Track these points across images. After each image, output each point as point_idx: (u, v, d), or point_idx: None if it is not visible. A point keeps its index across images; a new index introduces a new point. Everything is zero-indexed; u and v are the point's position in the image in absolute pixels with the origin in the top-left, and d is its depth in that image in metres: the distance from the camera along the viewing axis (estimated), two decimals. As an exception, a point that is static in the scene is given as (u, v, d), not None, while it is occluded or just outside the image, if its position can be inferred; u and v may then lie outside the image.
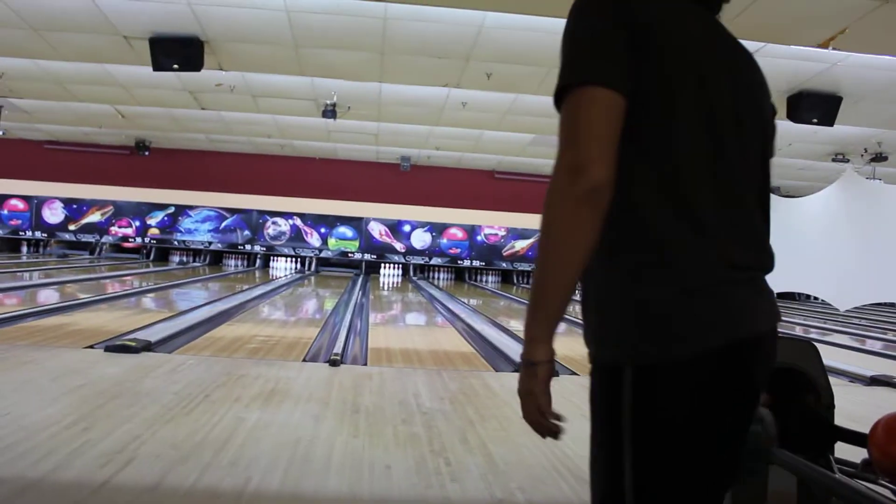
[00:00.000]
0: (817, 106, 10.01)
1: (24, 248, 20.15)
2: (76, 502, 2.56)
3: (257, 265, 20.10)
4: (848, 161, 14.27)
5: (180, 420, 3.74)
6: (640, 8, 1.22)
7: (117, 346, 5.61)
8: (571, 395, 5.01)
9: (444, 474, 3.15)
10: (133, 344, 5.69)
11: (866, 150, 13.74)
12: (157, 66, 9.87)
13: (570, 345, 8.25)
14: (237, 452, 3.27)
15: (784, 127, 11.61)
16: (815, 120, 10.13)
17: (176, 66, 9.83)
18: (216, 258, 20.34)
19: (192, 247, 20.12)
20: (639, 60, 1.18)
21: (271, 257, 20.28)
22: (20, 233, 19.83)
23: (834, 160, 14.60)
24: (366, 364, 6.00)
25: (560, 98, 1.20)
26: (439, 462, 3.32)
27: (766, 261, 1.31)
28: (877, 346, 10.27)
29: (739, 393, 1.24)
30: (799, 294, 19.33)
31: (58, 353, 5.43)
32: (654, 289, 1.19)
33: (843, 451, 2.43)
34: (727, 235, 1.22)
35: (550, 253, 1.18)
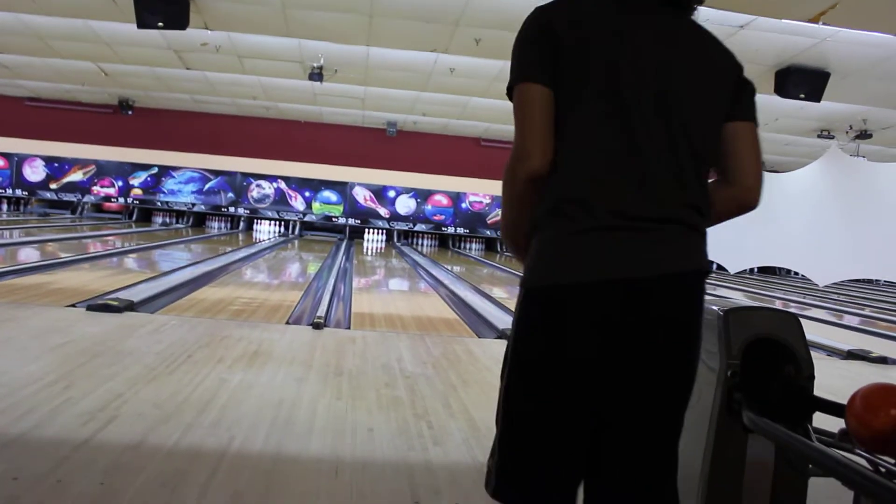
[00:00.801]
0: (805, 81, 10.01)
1: (4, 207, 19.94)
2: (58, 459, 2.55)
3: (241, 228, 20.01)
4: (833, 137, 14.32)
5: (163, 380, 3.74)
6: (561, 27, 1.48)
7: (99, 306, 5.58)
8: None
9: (427, 437, 3.17)
10: (115, 303, 5.66)
11: (851, 128, 13.81)
12: (142, 24, 9.70)
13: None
14: (220, 413, 3.27)
15: (770, 101, 11.61)
16: (802, 95, 10.14)
17: (161, 23, 9.67)
18: (199, 220, 20.22)
19: (175, 208, 20.00)
20: (559, 61, 1.46)
21: (255, 220, 20.20)
22: (0, 190, 19.61)
23: (819, 136, 14.65)
24: (349, 328, 6.01)
25: (510, 95, 1.53)
26: (422, 425, 3.34)
27: (672, 214, 1.44)
28: (854, 321, 10.39)
29: (596, 326, 1.39)
30: (779, 269, 19.46)
31: (39, 311, 5.40)
32: (546, 233, 1.44)
33: (820, 421, 2.47)
34: (624, 193, 1.41)
35: (504, 214, 1.58)
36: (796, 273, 18.77)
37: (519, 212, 1.52)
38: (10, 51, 13.93)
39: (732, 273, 18.29)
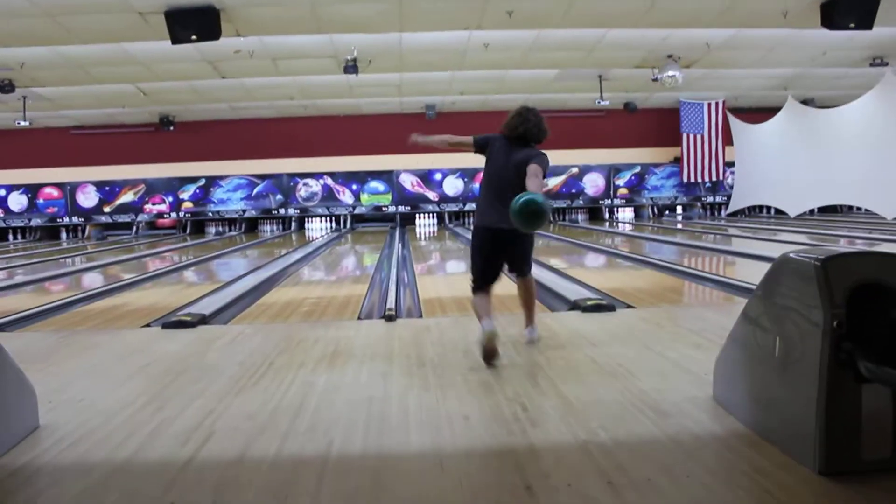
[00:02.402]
0: (853, 9, 9.65)
1: (64, 235, 20.40)
2: (167, 481, 2.56)
3: (293, 228, 20.18)
4: (887, 64, 13.80)
5: (250, 390, 3.74)
6: (489, 141, 4.58)
7: (174, 323, 5.64)
8: (632, 328, 4.98)
9: (524, 420, 3.12)
10: (189, 319, 5.71)
11: (907, 50, 13.28)
12: (175, 39, 9.79)
13: (622, 279, 8.14)
14: (313, 417, 3.26)
15: (817, 36, 11.29)
16: (851, 25, 9.76)
17: (194, 36, 9.74)
18: (251, 225, 20.47)
19: (227, 216, 20.26)
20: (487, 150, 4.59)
21: (306, 219, 20.36)
22: (58, 220, 20.07)
23: (872, 65, 14.12)
24: (421, 316, 5.98)
25: None
26: (516, 408, 3.29)
27: (494, 222, 4.34)
28: (930, 250, 10.01)
29: (482, 239, 4.50)
30: (842, 206, 18.90)
31: (117, 335, 5.48)
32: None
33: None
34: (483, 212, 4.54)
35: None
36: (859, 209, 18.26)
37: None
38: (51, 83, 14.20)
39: (793, 216, 17.88)
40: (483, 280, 4.47)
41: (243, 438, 3.00)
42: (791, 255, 2.80)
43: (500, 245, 4.37)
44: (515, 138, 4.46)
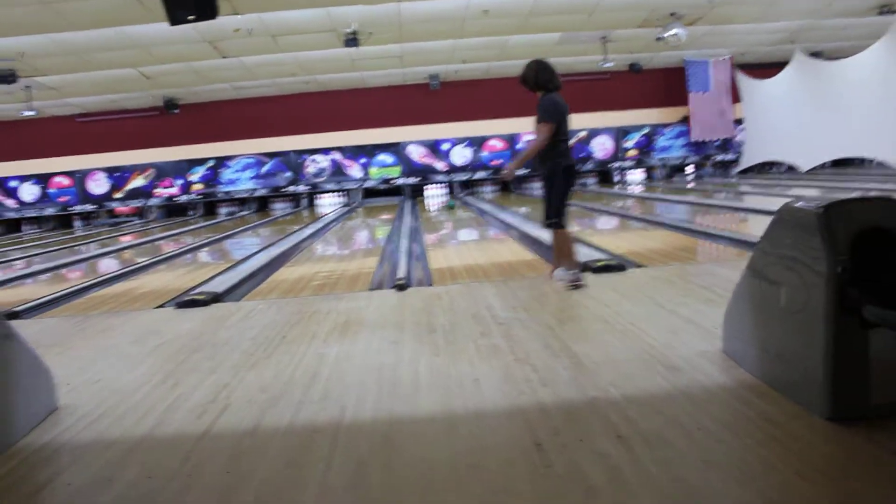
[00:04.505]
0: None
1: (77, 223, 20.51)
2: (184, 454, 2.61)
3: (303, 205, 20.20)
4: (895, 13, 13.57)
5: (263, 364, 3.78)
6: (559, 110, 5.20)
7: (187, 302, 5.68)
8: (643, 286, 4.98)
9: (534, 380, 3.14)
10: (202, 297, 5.75)
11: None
12: (174, 20, 9.72)
13: (633, 240, 8.14)
14: (325, 386, 3.30)
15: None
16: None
17: (191, 16, 9.66)
18: (262, 204, 20.53)
19: (237, 196, 20.32)
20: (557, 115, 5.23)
21: (315, 195, 20.38)
22: (69, 208, 20.18)
23: (881, 13, 13.89)
24: (431, 285, 6.00)
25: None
26: (526, 369, 3.31)
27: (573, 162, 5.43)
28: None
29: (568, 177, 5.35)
30: (854, 159, 18.67)
31: (132, 316, 5.53)
32: (556, 160, 5.30)
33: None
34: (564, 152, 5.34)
35: (532, 150, 5.31)
36: (871, 161, 18.07)
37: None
38: (53, 71, 14.20)
39: (805, 171, 17.73)
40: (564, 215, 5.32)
41: (257, 410, 3.04)
42: (792, 204, 2.78)
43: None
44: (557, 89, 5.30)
